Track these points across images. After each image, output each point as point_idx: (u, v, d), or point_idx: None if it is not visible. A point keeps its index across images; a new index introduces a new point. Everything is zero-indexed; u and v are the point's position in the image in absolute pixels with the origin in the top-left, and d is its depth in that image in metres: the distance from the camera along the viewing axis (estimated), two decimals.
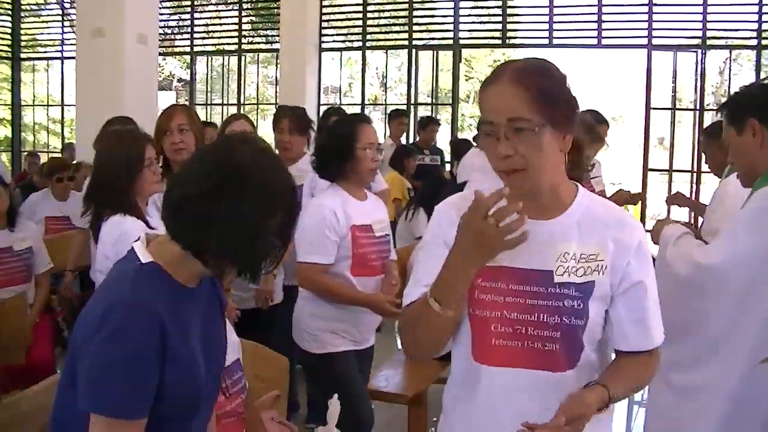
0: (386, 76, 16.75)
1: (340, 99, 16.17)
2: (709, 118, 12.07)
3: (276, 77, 15.58)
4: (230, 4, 15.68)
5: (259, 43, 15.89)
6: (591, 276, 2.35)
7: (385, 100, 16.19)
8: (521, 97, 2.23)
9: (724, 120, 3.75)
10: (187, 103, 17.59)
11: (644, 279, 2.42)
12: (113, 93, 9.49)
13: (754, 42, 11.92)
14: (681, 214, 10.78)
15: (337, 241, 4.52)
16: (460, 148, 10.53)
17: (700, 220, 5.97)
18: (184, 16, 16.05)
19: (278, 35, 14.47)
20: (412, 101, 14.15)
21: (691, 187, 12.31)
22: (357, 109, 14.61)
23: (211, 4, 16.03)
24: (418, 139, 11.59)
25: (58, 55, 16.80)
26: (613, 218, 2.43)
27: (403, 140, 11.58)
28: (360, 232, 4.61)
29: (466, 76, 33.57)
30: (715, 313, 3.50)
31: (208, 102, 16.07)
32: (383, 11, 14.63)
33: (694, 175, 12.19)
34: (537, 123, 2.22)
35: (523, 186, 2.27)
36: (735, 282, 3.44)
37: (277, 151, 5.88)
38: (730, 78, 13.23)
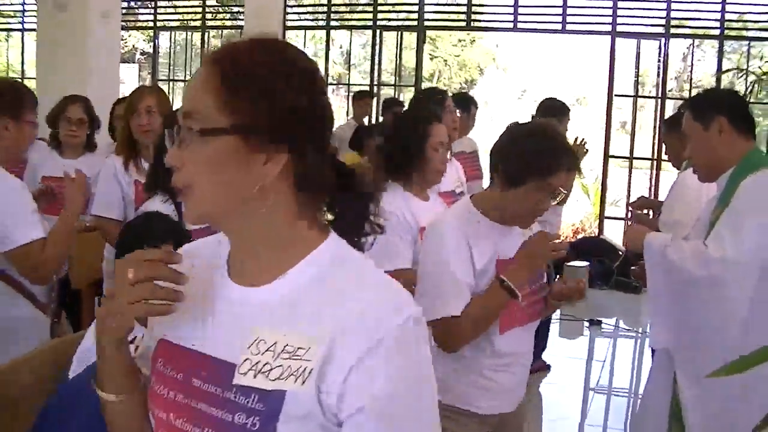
0: (350, 55, 16.73)
1: None
2: (671, 106, 12.18)
3: None
4: None
5: (223, 19, 15.77)
6: (284, 382, 1.50)
7: (349, 79, 16.17)
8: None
9: (689, 114, 3.86)
10: (149, 77, 17.48)
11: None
12: (75, 67, 9.40)
13: (716, 32, 11.99)
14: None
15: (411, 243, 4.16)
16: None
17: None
18: None
19: (243, 11, 14.36)
20: (376, 81, 14.12)
21: (651, 174, 12.41)
22: None
23: None
24: (381, 119, 11.56)
25: (19, 26, 16.53)
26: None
27: (366, 121, 11.54)
28: None
29: (430, 55, 33.63)
30: (741, 302, 3.59)
31: (171, 77, 15.93)
32: None
33: (655, 162, 12.28)
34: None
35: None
36: (753, 269, 3.56)
37: None
38: (692, 66, 13.35)
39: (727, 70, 11.79)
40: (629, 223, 9.10)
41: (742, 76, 9.58)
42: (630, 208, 7.05)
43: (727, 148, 3.77)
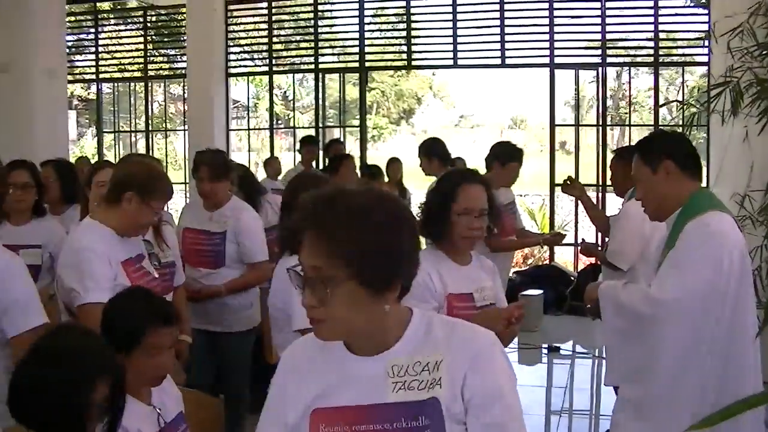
0: (294, 99, 16.82)
1: (248, 119, 16.19)
2: (610, 133, 12.40)
3: (183, 95, 15.40)
4: (134, 26, 15.55)
5: (164, 61, 15.73)
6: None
7: (294, 123, 16.24)
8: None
9: (637, 158, 4.03)
10: (89, 125, 17.39)
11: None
12: (22, 125, 9.35)
13: (650, 59, 12.27)
14: (590, 234, 11.14)
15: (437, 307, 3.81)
16: (374, 174, 10.60)
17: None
18: (88, 40, 15.80)
19: (184, 55, 14.39)
20: (321, 124, 14.24)
21: (597, 197, 12.62)
22: (266, 133, 14.68)
23: (115, 29, 15.89)
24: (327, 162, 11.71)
25: None
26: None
27: (314, 165, 11.68)
28: (457, 302, 3.93)
29: (368, 87, 33.78)
30: (679, 340, 3.76)
31: (116, 129, 15.90)
32: (289, 35, 14.69)
33: (599, 189, 12.49)
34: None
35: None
36: (690, 312, 3.72)
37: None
38: (630, 93, 13.60)
39: (665, 103, 12.10)
40: (579, 248, 9.30)
41: (680, 108, 9.82)
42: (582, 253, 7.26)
43: (675, 190, 3.91)
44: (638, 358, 3.93)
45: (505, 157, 7.23)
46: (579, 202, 7.85)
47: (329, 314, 2.06)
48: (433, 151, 8.12)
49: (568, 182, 7.01)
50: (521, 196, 18.28)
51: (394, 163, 11.58)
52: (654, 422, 3.85)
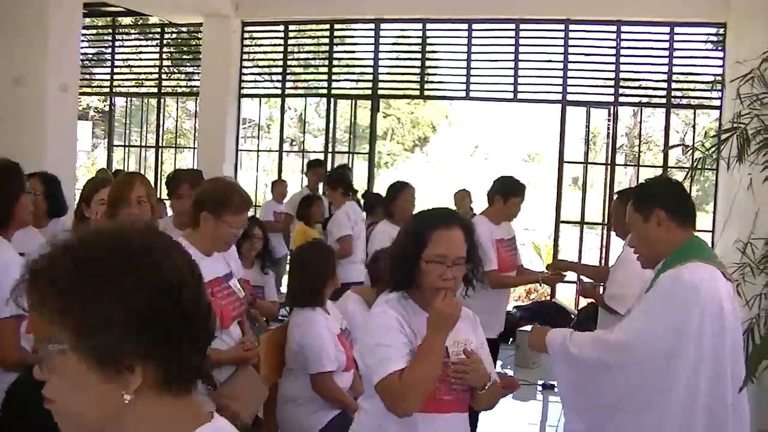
0: (304, 122, 16.85)
1: (258, 139, 16.24)
2: (619, 172, 12.40)
3: (195, 111, 15.46)
4: (152, 42, 15.63)
5: (180, 78, 15.79)
6: None
7: (303, 146, 16.28)
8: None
9: (631, 206, 4.03)
10: (104, 137, 17.43)
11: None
12: (33, 138, 9.39)
13: (663, 100, 12.29)
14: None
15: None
16: (372, 200, 10.63)
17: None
18: (106, 53, 15.89)
19: (199, 72, 14.47)
20: (330, 149, 14.27)
21: (602, 235, 12.60)
22: (275, 155, 14.72)
23: (131, 45, 15.96)
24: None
25: None
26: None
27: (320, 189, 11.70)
28: None
29: (383, 113, 33.85)
30: (637, 387, 3.75)
31: (127, 143, 15.95)
32: (304, 59, 14.76)
33: (604, 227, 12.48)
34: None
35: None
36: (642, 354, 3.72)
37: (173, 217, 5.83)
38: (640, 133, 13.62)
39: (673, 146, 12.08)
40: (579, 286, 9.26)
41: (688, 152, 9.81)
42: (551, 270, 7.22)
43: (665, 239, 3.90)
44: (593, 404, 3.92)
45: (508, 191, 7.18)
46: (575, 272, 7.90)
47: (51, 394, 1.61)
48: (337, 180, 8.17)
49: (551, 266, 7.04)
50: (526, 230, 18.25)
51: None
52: None
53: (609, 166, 12.51)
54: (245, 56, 14.30)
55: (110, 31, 15.73)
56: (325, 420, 5.23)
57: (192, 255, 4.01)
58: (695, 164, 7.77)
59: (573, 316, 11.45)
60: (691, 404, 3.67)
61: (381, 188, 13.43)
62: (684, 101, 12.56)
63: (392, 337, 3.37)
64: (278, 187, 12.53)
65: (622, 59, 12.21)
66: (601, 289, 6.73)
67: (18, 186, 4.30)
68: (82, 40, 13.35)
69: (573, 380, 3.98)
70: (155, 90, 15.39)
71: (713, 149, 7.54)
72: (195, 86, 15.00)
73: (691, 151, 8.84)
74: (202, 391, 2.12)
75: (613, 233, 10.68)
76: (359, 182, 13.72)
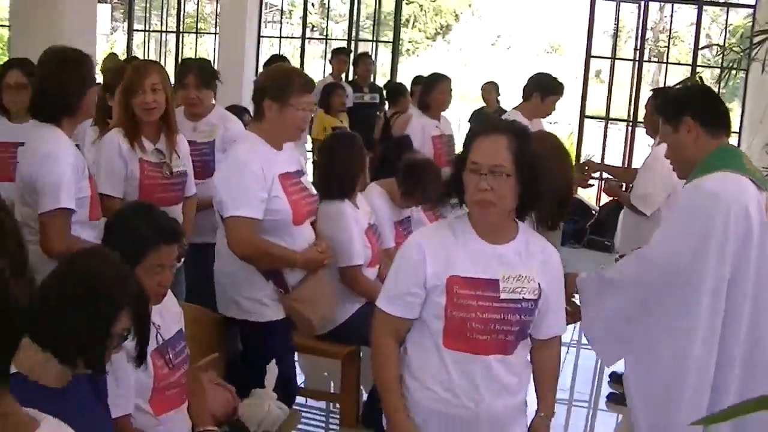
0: (328, 8, 16.59)
1: (281, 24, 15.99)
2: (647, 71, 12.18)
3: None
4: None
5: None
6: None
7: (326, 33, 16.03)
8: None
9: (661, 117, 3.93)
10: (123, 21, 17.23)
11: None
12: (50, 13, 9.21)
13: None
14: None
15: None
16: (397, 92, 10.52)
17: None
18: None
19: None
20: (354, 36, 14.03)
21: (626, 135, 12.46)
22: (297, 42, 14.52)
23: None
24: (357, 76, 11.60)
25: None
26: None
27: (343, 77, 11.56)
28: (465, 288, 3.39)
29: (407, 0, 33.40)
30: (659, 296, 3.73)
31: (147, 28, 15.70)
32: None
33: (629, 124, 12.33)
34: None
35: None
36: (666, 270, 3.69)
37: (183, 107, 5.73)
38: (671, 28, 13.37)
39: (705, 46, 11.86)
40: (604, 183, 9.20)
41: (719, 52, 9.60)
42: (580, 171, 7.11)
43: (698, 146, 3.79)
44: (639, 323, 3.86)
45: (547, 90, 7.21)
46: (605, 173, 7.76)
47: None
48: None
49: (586, 168, 6.84)
50: (551, 123, 18.05)
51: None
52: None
53: (636, 62, 12.30)
54: None
55: None
56: (351, 311, 5.20)
57: (263, 149, 4.19)
58: (730, 65, 7.60)
59: (594, 212, 11.42)
60: (713, 319, 3.64)
61: (402, 76, 13.28)
62: None
63: (402, 273, 3.26)
64: None
65: None
66: (625, 187, 6.66)
67: (89, 77, 4.24)
68: None
69: (609, 306, 3.89)
70: None
71: (747, 50, 7.36)
72: None
73: (722, 52, 8.66)
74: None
75: (638, 130, 10.64)
76: (382, 71, 13.55)
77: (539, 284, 3.18)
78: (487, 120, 3.77)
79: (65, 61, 4.19)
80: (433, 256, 3.17)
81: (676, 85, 7.21)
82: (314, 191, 4.75)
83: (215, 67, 6.34)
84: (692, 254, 3.61)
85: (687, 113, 3.80)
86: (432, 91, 7.78)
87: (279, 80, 4.41)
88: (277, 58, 9.47)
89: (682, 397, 3.70)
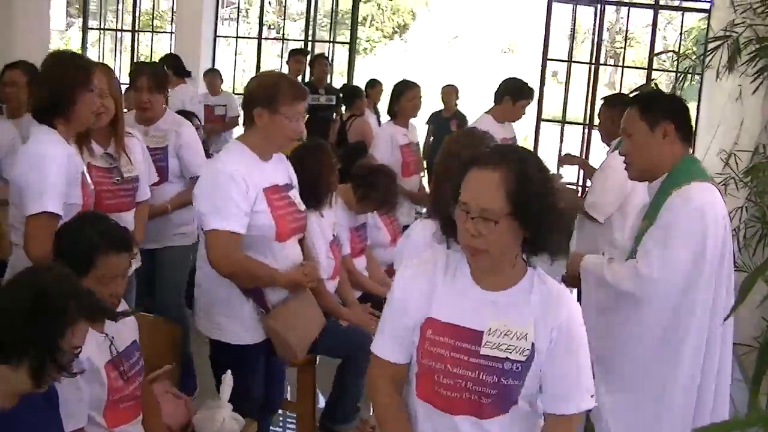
0: (285, 6, 16.51)
1: (237, 24, 15.87)
2: (602, 72, 12.23)
3: None
4: None
5: None
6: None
7: (283, 33, 15.94)
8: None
9: (635, 112, 3.91)
10: (77, 17, 17.02)
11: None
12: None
13: (651, 1, 12.08)
14: (571, 172, 11.07)
15: None
16: (354, 95, 10.51)
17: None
18: None
19: None
20: (311, 38, 13.97)
21: (582, 138, 12.50)
22: (254, 43, 14.39)
23: None
24: (313, 77, 11.57)
25: None
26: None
27: (300, 78, 11.49)
28: (439, 334, 3.03)
29: None
30: (659, 317, 3.79)
31: (101, 25, 15.47)
32: None
33: (586, 128, 12.38)
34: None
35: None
36: (676, 285, 3.73)
37: (135, 112, 5.70)
38: (627, 29, 13.43)
39: (661, 52, 11.95)
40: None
41: (675, 58, 9.66)
42: (559, 164, 7.25)
43: (667, 153, 3.84)
44: (615, 331, 3.95)
45: (519, 94, 7.35)
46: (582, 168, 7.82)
47: None
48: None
49: (561, 161, 7.00)
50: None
51: (375, 86, 11.49)
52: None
53: (593, 65, 12.35)
54: None
55: None
56: None
57: (249, 160, 3.98)
58: (686, 69, 7.66)
59: None
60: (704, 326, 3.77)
61: (359, 75, 13.26)
62: (673, 2, 12.37)
63: (389, 308, 2.90)
64: (212, 78, 11.94)
65: None
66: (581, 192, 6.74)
67: (83, 84, 4.10)
68: None
69: (599, 303, 4.00)
70: None
71: (702, 56, 7.42)
72: None
73: (677, 57, 8.74)
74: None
75: (594, 133, 10.68)
76: (339, 70, 13.51)
77: (533, 344, 2.68)
78: (480, 145, 3.35)
79: (61, 64, 4.14)
80: (420, 290, 2.80)
81: (633, 91, 7.29)
82: (303, 207, 4.51)
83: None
84: (686, 272, 3.70)
85: (670, 118, 3.84)
86: (401, 98, 7.64)
87: (268, 88, 4.20)
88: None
89: (670, 416, 3.80)
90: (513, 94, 7.40)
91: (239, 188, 4.04)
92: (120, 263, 3.36)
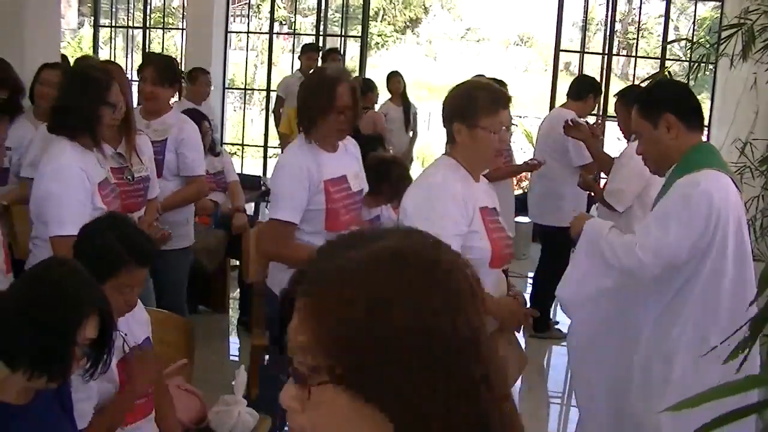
0: (296, 2, 16.47)
1: (248, 19, 15.86)
2: (615, 63, 12.17)
3: None
4: None
5: None
6: None
7: (294, 28, 15.92)
8: None
9: (637, 112, 3.93)
10: (91, 17, 17.03)
11: None
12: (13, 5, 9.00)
13: None
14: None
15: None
16: (366, 87, 10.46)
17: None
18: None
19: None
20: (322, 31, 13.94)
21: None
22: (266, 37, 14.38)
23: None
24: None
25: None
26: None
27: None
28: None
29: None
30: (646, 293, 3.89)
31: (112, 23, 15.49)
32: None
33: (599, 119, 12.31)
34: None
35: None
36: (659, 267, 3.76)
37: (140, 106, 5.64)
38: (639, 23, 13.38)
39: (674, 41, 11.87)
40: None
41: (688, 49, 9.60)
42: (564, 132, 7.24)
43: (676, 143, 3.84)
44: (599, 294, 4.04)
45: (598, 90, 8.11)
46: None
47: None
48: None
49: (571, 124, 6.91)
50: (520, 117, 18.05)
51: (395, 77, 11.46)
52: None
53: (606, 56, 12.30)
54: None
55: None
56: None
57: (461, 176, 4.04)
58: (699, 59, 7.60)
59: None
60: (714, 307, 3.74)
61: (371, 70, 13.24)
62: None
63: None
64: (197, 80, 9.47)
65: None
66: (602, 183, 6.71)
67: (100, 97, 4.18)
68: None
69: (591, 264, 4.04)
70: None
71: (715, 45, 7.35)
72: None
73: (690, 46, 8.68)
74: None
75: (609, 123, 10.66)
76: (351, 65, 13.48)
77: None
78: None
79: (82, 77, 4.21)
80: None
81: (646, 80, 7.27)
82: (508, 232, 4.14)
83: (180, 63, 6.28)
84: (685, 252, 3.69)
85: (667, 110, 3.84)
86: None
87: (463, 99, 3.88)
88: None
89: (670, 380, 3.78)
90: (596, 91, 7.86)
91: (457, 205, 3.81)
92: (141, 275, 3.34)
